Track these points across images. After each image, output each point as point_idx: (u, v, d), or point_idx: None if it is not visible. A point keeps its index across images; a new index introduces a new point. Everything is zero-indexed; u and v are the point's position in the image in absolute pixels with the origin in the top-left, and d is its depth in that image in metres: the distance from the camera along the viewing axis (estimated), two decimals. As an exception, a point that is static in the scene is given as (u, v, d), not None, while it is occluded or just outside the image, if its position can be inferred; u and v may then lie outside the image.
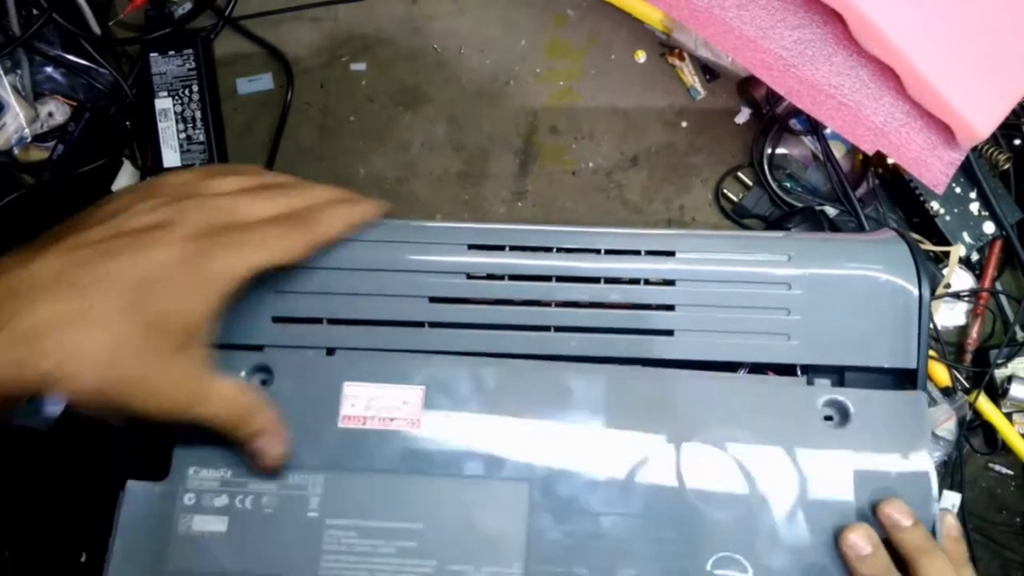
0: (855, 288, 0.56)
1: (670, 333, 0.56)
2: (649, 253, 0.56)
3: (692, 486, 0.54)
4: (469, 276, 0.56)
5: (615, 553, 0.53)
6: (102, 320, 0.45)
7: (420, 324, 0.56)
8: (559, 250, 0.56)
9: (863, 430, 0.54)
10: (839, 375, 0.56)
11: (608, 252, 0.56)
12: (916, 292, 0.55)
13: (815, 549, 0.53)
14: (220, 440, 0.52)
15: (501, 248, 0.56)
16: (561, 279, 0.56)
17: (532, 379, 0.55)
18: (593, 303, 0.56)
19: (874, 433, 0.54)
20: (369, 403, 0.55)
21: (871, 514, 0.53)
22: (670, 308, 0.56)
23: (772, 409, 0.55)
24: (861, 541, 0.52)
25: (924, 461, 0.54)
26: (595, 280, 0.56)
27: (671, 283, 0.56)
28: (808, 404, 0.55)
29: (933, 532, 0.53)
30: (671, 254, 0.56)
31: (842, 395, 0.55)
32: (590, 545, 0.53)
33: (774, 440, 0.54)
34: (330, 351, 0.56)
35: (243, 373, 0.55)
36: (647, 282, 0.56)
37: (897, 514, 0.52)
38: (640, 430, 0.54)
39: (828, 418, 0.55)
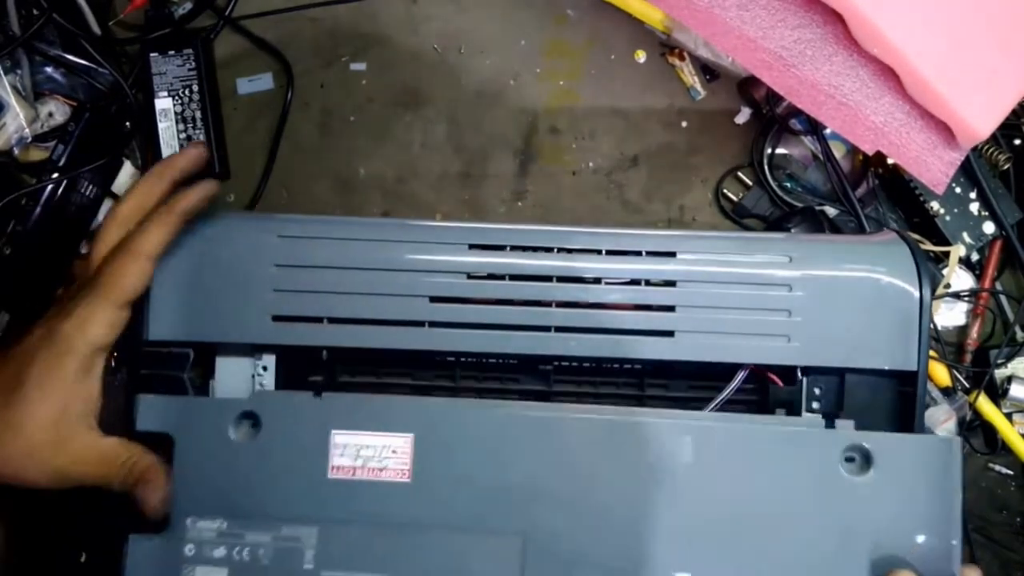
0: (856, 290, 0.56)
1: (671, 334, 0.56)
2: (650, 254, 0.56)
3: (693, 540, 0.53)
4: (470, 276, 0.56)
5: None
6: None
7: (421, 323, 0.56)
8: (560, 250, 0.56)
9: (885, 478, 0.53)
10: (839, 376, 0.56)
11: (609, 252, 0.56)
12: (917, 294, 0.55)
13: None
14: (213, 489, 0.54)
15: (502, 248, 0.56)
16: (562, 279, 0.56)
17: (525, 427, 0.55)
18: (594, 303, 0.56)
19: (898, 482, 0.53)
20: (358, 453, 0.55)
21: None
22: (671, 309, 0.56)
23: (788, 455, 0.54)
24: None
25: (950, 516, 0.53)
26: (596, 281, 0.56)
27: (672, 284, 0.56)
28: (828, 448, 0.54)
29: None
30: (672, 255, 0.56)
31: (865, 440, 0.54)
32: None
33: (788, 489, 0.54)
34: (317, 393, 0.56)
35: (232, 423, 0.55)
36: (648, 283, 0.56)
37: None
38: (641, 480, 0.54)
39: (849, 459, 0.54)
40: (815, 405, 0.57)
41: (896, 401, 0.56)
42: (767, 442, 0.54)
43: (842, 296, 0.55)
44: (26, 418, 0.52)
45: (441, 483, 0.54)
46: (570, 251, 0.56)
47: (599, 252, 0.56)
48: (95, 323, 0.53)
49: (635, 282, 0.56)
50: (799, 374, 0.56)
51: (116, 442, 0.54)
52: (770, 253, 0.57)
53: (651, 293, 0.56)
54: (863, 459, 0.54)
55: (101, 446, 0.54)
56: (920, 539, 0.53)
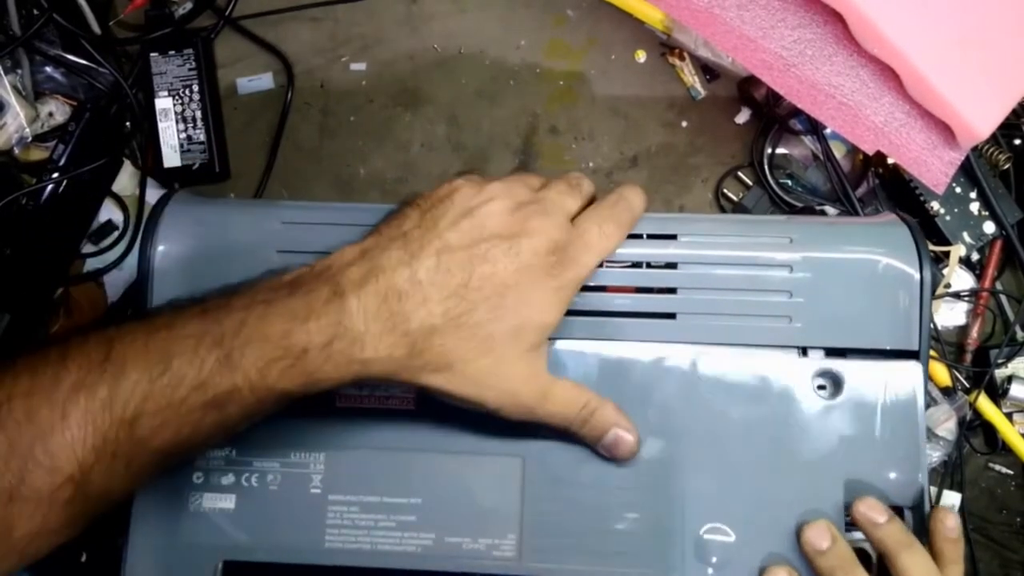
0: (857, 271, 0.56)
1: (672, 316, 0.56)
2: (651, 236, 0.57)
3: (681, 457, 0.55)
4: None
5: (606, 524, 0.55)
6: (478, 325, 0.50)
7: None
8: None
9: (855, 401, 0.55)
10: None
11: None
12: (917, 275, 0.56)
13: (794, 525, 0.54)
14: None
15: None
16: None
17: None
18: (595, 286, 0.56)
19: (866, 405, 0.55)
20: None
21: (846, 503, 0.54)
22: (672, 291, 0.56)
23: (765, 380, 0.55)
24: (818, 537, 0.53)
25: (915, 435, 0.55)
26: (598, 265, 0.56)
27: (673, 266, 0.56)
28: (800, 374, 0.55)
29: (921, 509, 0.54)
30: (673, 237, 0.57)
31: (835, 366, 0.55)
32: (581, 517, 0.55)
33: (765, 411, 0.55)
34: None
35: None
36: (649, 265, 0.56)
37: (871, 512, 0.53)
38: (630, 404, 0.55)
39: (821, 387, 0.56)
40: None
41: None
42: (746, 367, 0.56)
43: (843, 277, 0.56)
44: (517, 354, 0.51)
45: (443, 411, 0.54)
46: None
47: None
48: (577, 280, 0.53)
49: (636, 264, 0.56)
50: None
51: (575, 384, 0.53)
52: (771, 235, 0.57)
53: (653, 275, 0.56)
54: (833, 384, 0.56)
55: (565, 387, 0.53)
56: (888, 457, 0.55)
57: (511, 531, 0.55)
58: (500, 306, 0.50)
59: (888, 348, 0.55)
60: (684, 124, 0.76)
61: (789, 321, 0.56)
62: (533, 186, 0.55)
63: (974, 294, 0.75)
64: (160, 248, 0.57)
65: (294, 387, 0.48)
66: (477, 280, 0.50)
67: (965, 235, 0.73)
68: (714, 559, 0.54)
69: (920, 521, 0.55)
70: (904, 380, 0.55)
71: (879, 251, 0.56)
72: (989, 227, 0.73)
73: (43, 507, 0.45)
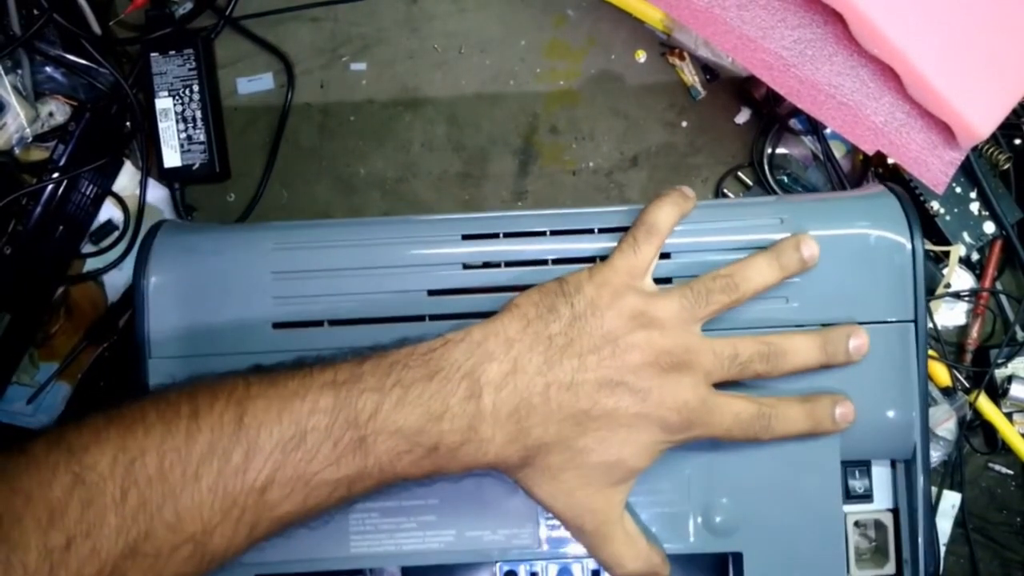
0: (849, 246, 0.56)
1: None
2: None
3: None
4: (465, 266, 0.56)
5: None
6: (581, 451, 0.51)
7: (421, 318, 0.56)
8: (553, 233, 0.57)
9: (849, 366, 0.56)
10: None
11: (602, 231, 0.57)
12: (909, 245, 0.56)
13: (793, 492, 0.56)
14: None
15: (495, 236, 0.57)
16: (557, 261, 0.56)
17: None
18: None
19: (861, 366, 0.55)
20: None
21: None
22: (668, 280, 0.56)
23: None
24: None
25: (910, 391, 0.56)
26: (591, 259, 0.56)
27: (667, 256, 0.56)
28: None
29: (914, 463, 0.56)
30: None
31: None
32: None
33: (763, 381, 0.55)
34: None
35: None
36: None
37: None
38: None
39: None
40: None
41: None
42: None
43: (836, 253, 0.56)
44: (602, 483, 0.52)
45: None
46: (563, 233, 0.57)
47: (592, 231, 0.57)
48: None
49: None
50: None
51: (638, 538, 0.53)
52: (761, 217, 0.57)
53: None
54: None
55: (631, 541, 0.53)
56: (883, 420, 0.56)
57: (529, 520, 0.56)
58: (607, 440, 0.51)
59: (887, 320, 0.56)
60: (684, 124, 0.76)
61: (786, 301, 0.56)
62: (698, 316, 0.53)
63: (974, 294, 0.75)
64: (153, 280, 0.57)
65: (420, 475, 0.50)
66: (598, 411, 0.50)
67: (965, 235, 0.73)
68: (717, 524, 0.55)
69: (911, 474, 0.56)
70: (898, 338, 0.56)
71: (869, 224, 0.56)
72: (989, 227, 0.73)
73: (160, 562, 0.46)
